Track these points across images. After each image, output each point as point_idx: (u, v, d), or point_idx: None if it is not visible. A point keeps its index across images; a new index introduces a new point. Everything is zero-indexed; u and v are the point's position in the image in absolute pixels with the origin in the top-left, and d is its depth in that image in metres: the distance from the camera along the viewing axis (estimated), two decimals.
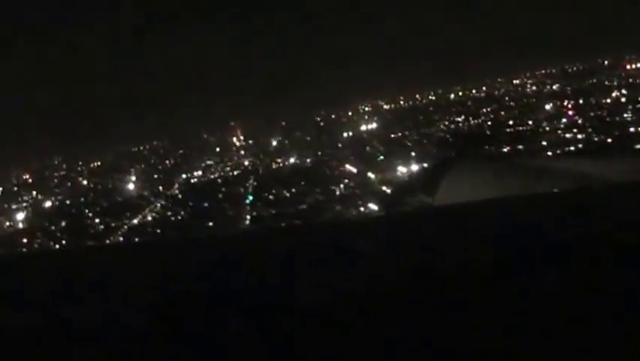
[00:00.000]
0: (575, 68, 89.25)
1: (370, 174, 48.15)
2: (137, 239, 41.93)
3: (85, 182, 78.54)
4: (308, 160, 64.58)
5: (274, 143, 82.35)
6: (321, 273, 2.29)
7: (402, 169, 46.12)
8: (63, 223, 54.04)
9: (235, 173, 66.28)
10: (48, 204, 68.30)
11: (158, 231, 44.19)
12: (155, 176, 72.88)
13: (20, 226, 58.91)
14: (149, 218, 50.06)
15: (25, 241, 49.56)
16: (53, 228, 53.20)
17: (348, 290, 2.07)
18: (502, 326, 1.74)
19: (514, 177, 4.89)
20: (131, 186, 68.41)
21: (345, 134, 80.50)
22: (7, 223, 60.57)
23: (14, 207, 69.92)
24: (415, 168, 45.81)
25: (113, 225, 49.36)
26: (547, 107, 62.35)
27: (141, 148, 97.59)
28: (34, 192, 73.23)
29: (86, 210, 57.61)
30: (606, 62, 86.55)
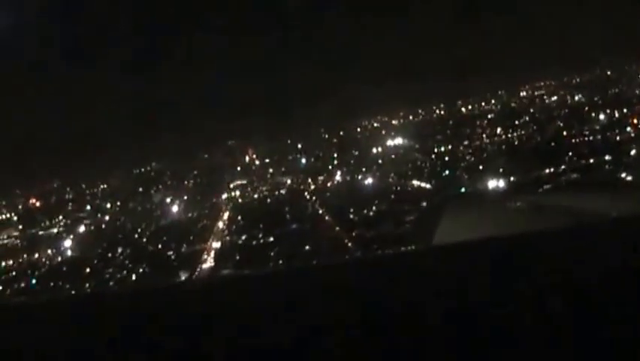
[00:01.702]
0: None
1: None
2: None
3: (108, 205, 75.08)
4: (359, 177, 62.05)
5: (304, 161, 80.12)
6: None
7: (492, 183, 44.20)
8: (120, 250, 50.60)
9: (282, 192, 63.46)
10: (82, 229, 64.69)
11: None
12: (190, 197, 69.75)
13: (69, 254, 54.99)
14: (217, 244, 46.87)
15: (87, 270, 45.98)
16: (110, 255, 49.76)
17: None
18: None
19: (508, 215, 5.11)
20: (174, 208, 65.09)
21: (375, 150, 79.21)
22: (50, 251, 56.60)
23: (39, 233, 66.74)
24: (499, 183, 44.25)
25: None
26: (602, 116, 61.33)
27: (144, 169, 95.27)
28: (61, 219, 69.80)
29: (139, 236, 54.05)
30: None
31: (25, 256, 56.55)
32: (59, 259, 53.56)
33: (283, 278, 3.77)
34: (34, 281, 46.79)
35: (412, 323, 2.06)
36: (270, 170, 79.02)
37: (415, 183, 52.98)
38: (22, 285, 46.25)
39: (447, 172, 53.58)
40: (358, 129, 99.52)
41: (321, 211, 49.52)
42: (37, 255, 56.10)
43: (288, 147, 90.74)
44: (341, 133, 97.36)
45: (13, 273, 50.73)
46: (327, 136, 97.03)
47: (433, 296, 2.37)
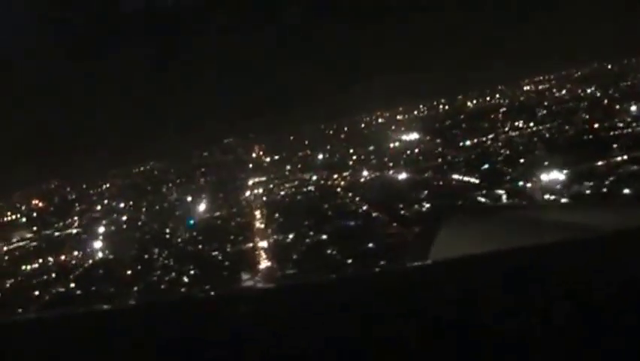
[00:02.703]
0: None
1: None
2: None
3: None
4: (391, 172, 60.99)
5: (320, 157, 79.00)
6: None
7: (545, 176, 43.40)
8: (156, 251, 48.84)
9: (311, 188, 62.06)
10: (102, 229, 62.78)
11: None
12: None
13: (100, 256, 52.99)
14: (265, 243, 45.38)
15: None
16: (147, 256, 47.93)
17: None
18: None
19: (506, 230, 4.84)
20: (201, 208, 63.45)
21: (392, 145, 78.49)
22: (75, 252, 54.51)
23: (55, 234, 64.80)
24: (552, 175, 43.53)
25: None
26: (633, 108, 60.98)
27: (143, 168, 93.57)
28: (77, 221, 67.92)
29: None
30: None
31: (50, 258, 54.41)
32: (90, 261, 51.46)
33: (279, 293, 3.57)
34: (72, 285, 44.64)
35: (417, 339, 2.03)
36: (288, 167, 77.68)
37: (456, 177, 51.83)
38: (62, 289, 44.16)
39: (486, 166, 52.51)
40: (362, 125, 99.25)
41: (365, 207, 48.14)
42: (63, 257, 53.96)
43: (294, 143, 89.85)
44: (345, 129, 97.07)
45: (44, 277, 48.53)
46: (330, 132, 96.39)
47: (439, 310, 2.32)
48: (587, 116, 65.92)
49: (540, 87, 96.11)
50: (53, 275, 48.59)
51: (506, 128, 71.55)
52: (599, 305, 2.14)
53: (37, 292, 44.25)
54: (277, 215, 51.93)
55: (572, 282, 2.46)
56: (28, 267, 52.65)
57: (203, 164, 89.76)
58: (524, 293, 2.36)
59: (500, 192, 42.76)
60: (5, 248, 61.42)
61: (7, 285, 48.08)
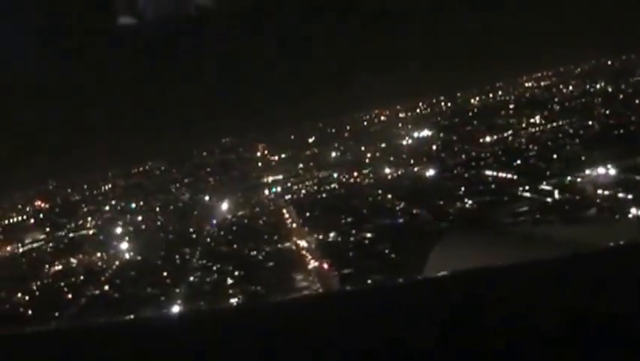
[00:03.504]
0: None
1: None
2: None
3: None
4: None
5: (334, 155, 77.81)
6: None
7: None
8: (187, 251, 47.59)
9: (334, 186, 60.88)
10: (119, 230, 61.24)
11: None
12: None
13: (127, 256, 51.48)
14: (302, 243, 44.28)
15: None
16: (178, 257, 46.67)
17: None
18: None
19: (500, 246, 5.22)
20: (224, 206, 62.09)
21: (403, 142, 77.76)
22: (99, 254, 52.95)
23: (70, 236, 63.14)
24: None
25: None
26: None
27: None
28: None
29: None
30: None
31: (72, 260, 52.81)
32: (117, 263, 49.94)
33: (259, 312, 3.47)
34: (106, 288, 43.17)
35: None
36: (300, 165, 76.35)
37: (489, 173, 51.12)
38: (96, 292, 42.70)
39: (518, 161, 51.92)
40: (365, 123, 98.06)
41: (403, 204, 47.19)
42: (86, 258, 52.37)
43: (297, 142, 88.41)
44: (347, 127, 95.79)
45: (72, 279, 47.02)
46: (333, 130, 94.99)
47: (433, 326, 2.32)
48: (607, 111, 65.71)
49: (542, 83, 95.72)
50: (81, 277, 47.01)
51: (523, 125, 70.92)
52: (594, 318, 2.05)
53: (70, 295, 42.78)
54: (308, 213, 50.76)
55: (563, 297, 2.39)
56: (52, 269, 51.05)
57: (205, 164, 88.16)
58: (518, 308, 2.30)
59: (547, 187, 42.03)
60: (21, 250, 59.64)
61: (34, 287, 46.53)
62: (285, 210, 55.23)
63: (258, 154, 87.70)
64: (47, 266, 51.85)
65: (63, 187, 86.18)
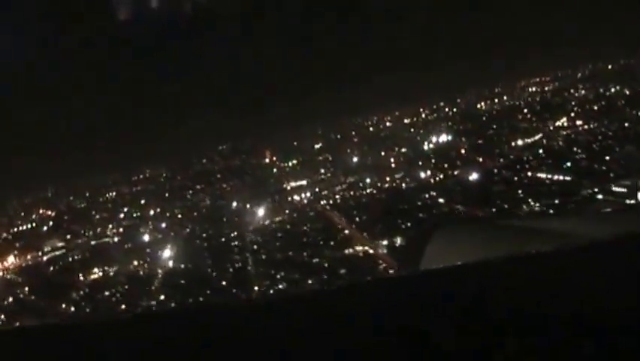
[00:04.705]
0: None
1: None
2: None
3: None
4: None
5: (355, 159, 76.00)
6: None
7: None
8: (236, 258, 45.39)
9: (370, 191, 59.16)
10: (146, 237, 58.71)
11: None
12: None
13: (170, 265, 49.04)
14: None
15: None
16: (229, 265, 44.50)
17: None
18: None
19: (497, 241, 4.58)
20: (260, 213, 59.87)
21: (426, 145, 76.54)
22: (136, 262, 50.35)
23: (92, 243, 60.48)
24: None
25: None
26: None
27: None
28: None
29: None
30: None
31: (106, 268, 50.18)
32: (160, 271, 47.51)
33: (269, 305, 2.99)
34: (162, 297, 40.79)
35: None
36: (322, 170, 74.43)
37: (542, 175, 50.05)
38: (152, 302, 40.28)
39: (568, 164, 50.97)
40: (371, 128, 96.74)
41: (462, 207, 45.77)
42: (126, 268, 49.79)
43: (305, 148, 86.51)
44: (353, 132, 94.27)
45: (118, 287, 44.56)
46: (339, 136, 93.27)
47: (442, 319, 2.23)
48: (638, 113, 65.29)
49: (546, 88, 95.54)
50: (126, 287, 44.49)
51: (550, 128, 70.14)
52: (590, 315, 2.03)
53: (123, 306, 40.32)
54: (358, 219, 48.97)
55: (561, 291, 2.34)
56: (88, 278, 48.37)
57: (208, 170, 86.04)
58: (514, 304, 2.24)
59: (619, 189, 41.00)
60: (45, 258, 56.72)
61: (75, 296, 43.96)
62: (330, 216, 53.25)
63: (267, 160, 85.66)
64: (81, 275, 49.07)
65: (65, 194, 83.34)
